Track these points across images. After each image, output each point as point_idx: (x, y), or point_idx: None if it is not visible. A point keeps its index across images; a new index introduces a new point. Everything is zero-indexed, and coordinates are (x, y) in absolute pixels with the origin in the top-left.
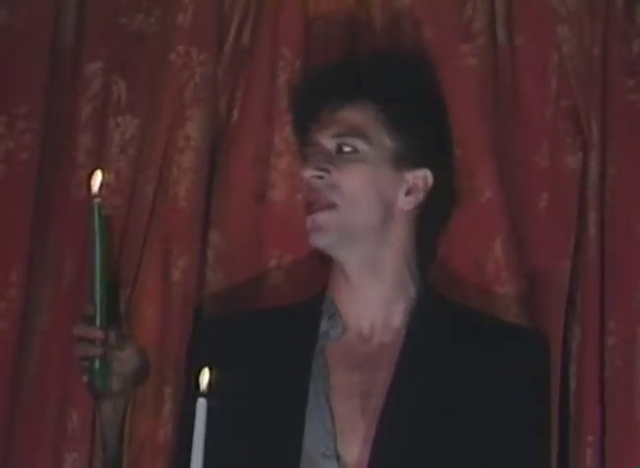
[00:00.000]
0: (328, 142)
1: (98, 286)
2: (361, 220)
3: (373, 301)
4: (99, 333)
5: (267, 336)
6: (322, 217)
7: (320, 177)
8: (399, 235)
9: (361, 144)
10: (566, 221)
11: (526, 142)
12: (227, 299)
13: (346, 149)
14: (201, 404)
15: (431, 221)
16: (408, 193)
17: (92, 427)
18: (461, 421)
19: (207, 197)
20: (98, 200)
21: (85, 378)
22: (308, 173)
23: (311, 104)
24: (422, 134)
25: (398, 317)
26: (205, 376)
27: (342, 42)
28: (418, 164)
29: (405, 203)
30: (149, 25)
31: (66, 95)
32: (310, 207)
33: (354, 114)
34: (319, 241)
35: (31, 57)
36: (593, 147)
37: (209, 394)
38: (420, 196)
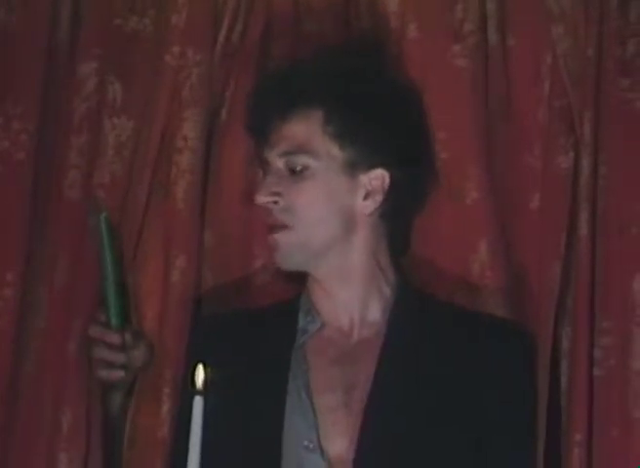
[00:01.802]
0: (277, 162)
1: (111, 290)
2: (320, 237)
3: (346, 302)
4: (116, 338)
5: (250, 335)
6: (278, 238)
7: (274, 202)
8: (364, 238)
9: (310, 161)
10: (557, 221)
11: (518, 143)
12: (219, 299)
13: (297, 168)
14: (197, 401)
15: (398, 218)
16: (366, 197)
17: (86, 426)
18: (447, 414)
19: (203, 197)
20: (104, 214)
21: (102, 373)
22: (260, 199)
23: (258, 119)
24: (373, 137)
25: (375, 313)
26: (200, 374)
27: (332, 41)
28: (372, 165)
29: (364, 207)
30: (144, 26)
31: (62, 95)
32: (269, 229)
33: (299, 127)
34: (281, 263)
35: (27, 57)
36: (585, 147)
37: (205, 391)
38: (379, 198)
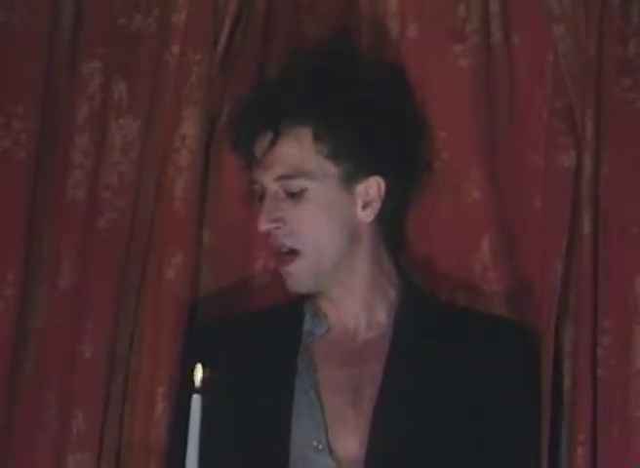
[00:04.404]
0: (272, 185)
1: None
2: (329, 257)
3: (352, 308)
4: None
5: (254, 338)
6: (292, 269)
7: (277, 228)
8: (367, 246)
9: (307, 183)
10: (559, 220)
11: (521, 142)
12: (219, 300)
13: (295, 191)
14: (195, 400)
15: (394, 219)
16: (365, 206)
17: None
18: (453, 413)
19: (202, 197)
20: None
21: None
22: (264, 227)
23: (246, 141)
24: (365, 148)
25: (381, 315)
26: (199, 373)
27: (333, 42)
28: (367, 174)
29: (364, 217)
30: (148, 25)
31: (63, 94)
32: (278, 258)
33: (291, 149)
34: (296, 288)
35: (28, 56)
36: (587, 146)
37: (203, 390)
38: (377, 205)
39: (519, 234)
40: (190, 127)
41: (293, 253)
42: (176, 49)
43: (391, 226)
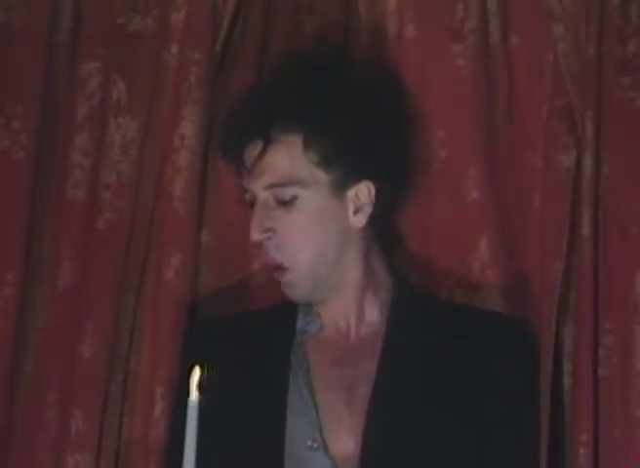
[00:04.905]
0: (263, 193)
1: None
2: (323, 263)
3: (343, 309)
4: None
5: (249, 338)
6: (286, 279)
7: (268, 238)
8: (358, 250)
9: (298, 191)
10: (559, 220)
11: (520, 142)
12: (218, 300)
13: (286, 199)
14: (192, 404)
15: (386, 221)
16: (356, 212)
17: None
18: (449, 411)
19: (201, 196)
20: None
21: None
22: (255, 237)
23: (234, 149)
24: (355, 154)
25: (372, 314)
26: (196, 376)
27: (332, 42)
28: (357, 180)
29: (356, 222)
30: (147, 26)
31: (63, 94)
32: (272, 268)
33: (281, 157)
34: (294, 297)
35: (28, 56)
36: (587, 146)
37: (200, 391)
38: (368, 209)
39: (518, 234)
40: (189, 127)
41: (284, 269)
42: (174, 49)
43: (383, 228)
